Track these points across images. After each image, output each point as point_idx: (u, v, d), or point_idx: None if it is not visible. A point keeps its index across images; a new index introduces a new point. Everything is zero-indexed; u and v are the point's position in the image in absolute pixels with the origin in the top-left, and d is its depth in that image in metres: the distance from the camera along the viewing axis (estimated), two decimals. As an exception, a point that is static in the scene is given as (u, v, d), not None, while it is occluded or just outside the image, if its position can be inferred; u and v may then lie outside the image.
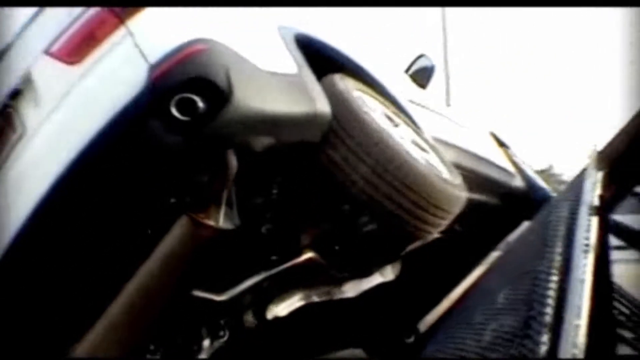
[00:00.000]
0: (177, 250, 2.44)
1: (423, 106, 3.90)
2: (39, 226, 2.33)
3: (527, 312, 1.84)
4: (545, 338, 1.48)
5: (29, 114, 2.43)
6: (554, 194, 5.34)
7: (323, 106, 2.63)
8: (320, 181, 2.73)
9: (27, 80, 2.47)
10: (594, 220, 2.47)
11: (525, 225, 4.64)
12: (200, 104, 2.07)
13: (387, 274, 3.64)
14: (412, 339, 4.95)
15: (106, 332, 2.57)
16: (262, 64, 2.43)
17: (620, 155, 3.63)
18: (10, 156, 2.46)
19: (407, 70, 4.62)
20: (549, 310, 1.63)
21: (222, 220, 2.41)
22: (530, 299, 1.94)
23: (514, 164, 5.45)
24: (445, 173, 3.10)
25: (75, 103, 2.30)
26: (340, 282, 3.44)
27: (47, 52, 2.41)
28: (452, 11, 19.88)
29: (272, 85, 2.45)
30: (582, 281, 1.75)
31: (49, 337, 2.60)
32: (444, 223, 2.94)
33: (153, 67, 2.14)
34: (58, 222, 2.35)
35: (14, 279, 2.43)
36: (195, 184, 2.35)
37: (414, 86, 4.40)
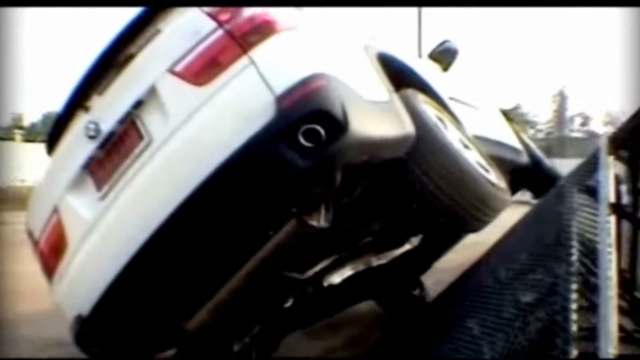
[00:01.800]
0: (282, 244, 2.88)
1: (459, 101, 4.40)
2: (176, 227, 2.60)
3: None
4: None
5: (155, 124, 2.69)
6: (560, 174, 5.69)
7: (410, 128, 3.13)
8: (399, 187, 3.29)
9: (152, 93, 2.72)
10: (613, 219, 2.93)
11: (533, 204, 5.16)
12: (323, 133, 2.39)
13: (413, 242, 4.25)
14: (417, 292, 5.68)
15: (214, 309, 3.03)
16: (364, 93, 2.83)
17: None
18: (139, 159, 2.72)
19: (430, 54, 5.07)
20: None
21: (322, 221, 2.87)
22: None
23: (522, 140, 5.85)
24: (494, 177, 3.76)
25: (205, 122, 2.57)
26: (380, 252, 4.08)
27: (172, 70, 2.66)
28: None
29: (374, 113, 2.84)
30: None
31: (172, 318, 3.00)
32: (492, 220, 3.64)
33: (280, 99, 2.44)
34: (191, 226, 2.62)
35: (149, 268, 2.71)
36: (308, 194, 2.73)
37: (440, 73, 4.84)
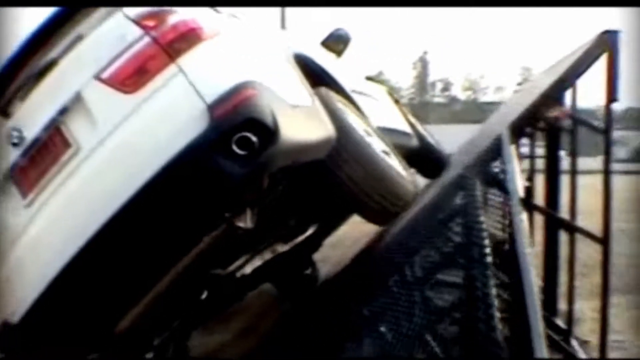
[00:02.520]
0: (212, 245, 3.02)
1: (360, 92, 4.61)
2: (109, 235, 2.61)
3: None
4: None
5: (83, 132, 2.67)
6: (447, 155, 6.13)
7: (332, 130, 3.33)
8: (317, 183, 3.54)
9: (78, 100, 2.69)
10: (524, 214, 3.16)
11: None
12: (255, 141, 2.47)
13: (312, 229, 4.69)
14: (310, 271, 5.98)
15: (143, 310, 3.09)
16: (289, 99, 2.94)
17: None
18: (66, 167, 2.69)
19: (323, 42, 5.16)
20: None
21: (248, 222, 2.98)
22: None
23: (410, 123, 6.13)
24: (401, 170, 4.06)
25: (135, 131, 2.58)
26: (288, 241, 4.44)
27: (98, 77, 2.65)
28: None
29: (300, 119, 2.96)
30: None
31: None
32: (402, 210, 3.90)
33: (212, 108, 2.50)
34: (124, 235, 2.63)
35: (81, 277, 2.69)
36: (240, 199, 2.85)
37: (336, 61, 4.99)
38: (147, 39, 2.64)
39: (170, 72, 2.58)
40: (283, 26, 20.91)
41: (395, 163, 4.05)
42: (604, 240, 3.96)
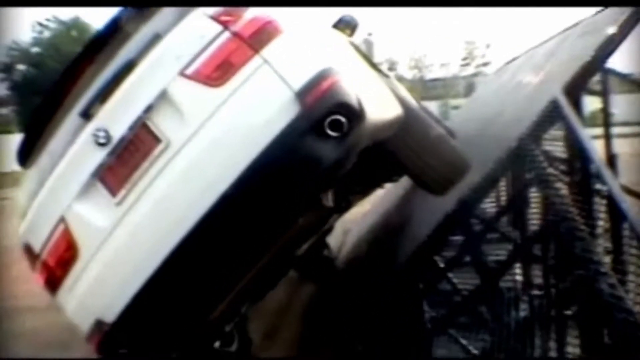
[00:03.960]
0: (303, 227, 3.14)
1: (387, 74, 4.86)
2: (210, 227, 2.66)
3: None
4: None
5: (172, 128, 2.74)
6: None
7: (400, 109, 3.57)
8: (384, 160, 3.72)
9: (164, 97, 2.75)
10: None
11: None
12: (345, 122, 2.60)
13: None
14: (326, 252, 6.14)
15: (235, 298, 3.17)
16: (364, 82, 3.12)
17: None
18: (156, 164, 2.74)
19: (334, 25, 5.17)
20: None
21: (330, 201, 3.14)
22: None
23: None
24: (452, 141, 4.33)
25: (226, 122, 2.66)
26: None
27: (183, 73, 2.72)
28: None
29: (377, 100, 3.13)
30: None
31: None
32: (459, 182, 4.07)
33: (301, 94, 2.61)
34: (224, 226, 2.69)
35: (181, 271, 2.73)
36: (333, 179, 2.89)
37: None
38: (227, 34, 2.74)
39: (255, 63, 2.68)
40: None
41: (446, 134, 4.21)
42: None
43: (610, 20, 4.24)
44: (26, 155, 3.19)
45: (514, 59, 7.55)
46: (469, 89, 31.38)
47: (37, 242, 3.04)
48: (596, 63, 3.85)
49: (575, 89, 3.84)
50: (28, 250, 3.11)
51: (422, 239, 3.98)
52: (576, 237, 2.85)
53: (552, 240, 3.11)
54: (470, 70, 48.36)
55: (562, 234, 2.99)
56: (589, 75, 3.84)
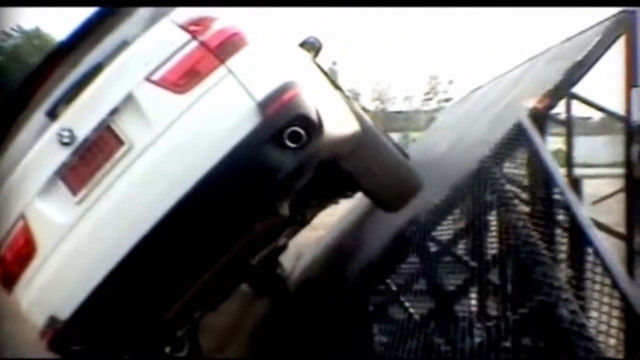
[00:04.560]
0: (259, 234, 3.21)
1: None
2: (168, 228, 2.75)
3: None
4: None
5: (136, 131, 2.82)
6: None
7: (357, 126, 3.68)
8: (338, 176, 3.76)
9: (129, 101, 2.84)
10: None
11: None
12: (303, 134, 2.73)
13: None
14: (279, 270, 6.08)
15: (188, 301, 3.17)
16: (324, 97, 3.21)
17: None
18: (119, 164, 2.82)
19: (300, 45, 5.27)
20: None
21: (286, 211, 3.12)
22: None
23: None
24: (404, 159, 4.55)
25: (189, 128, 2.76)
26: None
27: (149, 79, 2.83)
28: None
29: (335, 115, 3.21)
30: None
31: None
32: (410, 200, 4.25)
33: (262, 105, 2.74)
34: (183, 227, 2.77)
35: (137, 270, 2.80)
36: (289, 189, 2.99)
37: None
38: (195, 43, 2.85)
39: (220, 73, 2.80)
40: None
41: (400, 154, 4.44)
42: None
43: (579, 47, 4.20)
44: None
45: (478, 88, 7.53)
46: (430, 123, 31.70)
47: None
48: (563, 88, 3.77)
49: (541, 113, 3.74)
50: None
51: (373, 259, 3.82)
52: (537, 261, 2.71)
53: (512, 265, 2.95)
54: (432, 104, 48.87)
55: (522, 258, 2.84)
56: (556, 99, 3.75)
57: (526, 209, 3.21)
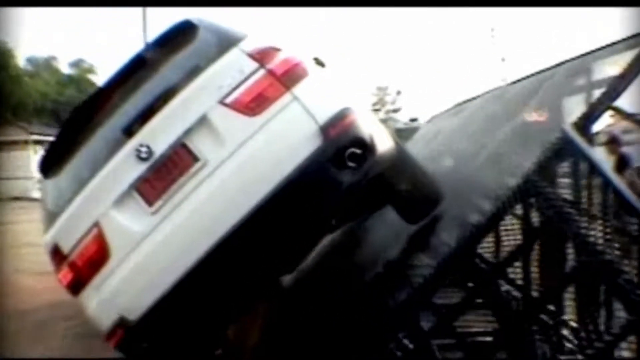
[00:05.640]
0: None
1: None
2: (237, 239, 2.99)
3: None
4: None
5: (209, 149, 3.09)
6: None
7: (392, 143, 3.80)
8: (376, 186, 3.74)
9: (204, 121, 3.12)
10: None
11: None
12: (360, 154, 3.04)
13: None
14: None
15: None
16: (372, 120, 3.58)
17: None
18: (194, 179, 3.09)
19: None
20: None
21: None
22: None
23: None
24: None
25: (259, 147, 3.04)
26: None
27: (223, 102, 3.11)
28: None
29: (380, 135, 3.47)
30: None
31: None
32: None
33: (324, 128, 3.05)
34: (251, 239, 3.02)
35: (208, 277, 3.04)
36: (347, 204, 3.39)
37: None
38: (262, 71, 3.14)
39: (286, 99, 3.10)
40: (144, 27, 21.95)
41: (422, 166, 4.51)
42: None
43: (602, 62, 4.16)
44: (52, 165, 3.47)
45: (469, 100, 7.49)
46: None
47: (67, 244, 3.27)
48: (605, 100, 3.71)
49: (585, 126, 3.67)
50: (56, 251, 3.32)
51: (420, 281, 3.65)
52: (623, 279, 2.62)
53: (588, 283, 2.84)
54: (380, 115, 49.31)
55: (602, 276, 2.74)
56: (599, 112, 3.68)
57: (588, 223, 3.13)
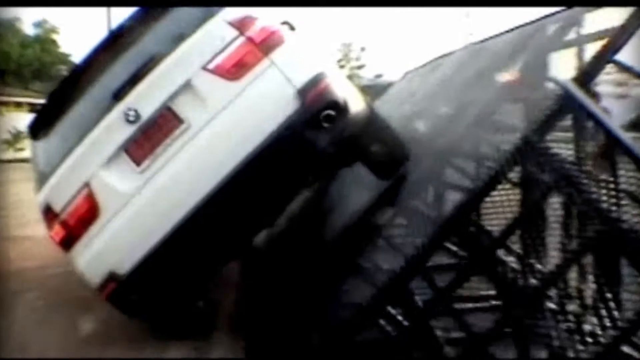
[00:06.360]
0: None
1: None
2: (220, 197, 3.20)
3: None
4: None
5: (193, 112, 3.29)
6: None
7: (364, 104, 4.08)
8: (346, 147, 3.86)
9: (188, 86, 3.32)
10: None
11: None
12: (334, 116, 3.24)
13: None
14: None
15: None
16: (344, 82, 3.76)
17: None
18: (177, 141, 3.29)
19: None
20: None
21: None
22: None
23: None
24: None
25: (240, 110, 3.25)
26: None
27: (206, 68, 3.33)
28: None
29: (352, 97, 3.63)
30: None
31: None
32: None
33: (301, 92, 3.27)
34: (233, 197, 3.22)
35: (194, 231, 3.23)
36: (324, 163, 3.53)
37: None
38: (242, 39, 3.37)
39: (264, 64, 3.31)
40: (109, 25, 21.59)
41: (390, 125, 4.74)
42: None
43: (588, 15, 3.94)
44: (42, 128, 3.65)
45: (445, 55, 7.20)
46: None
47: (58, 203, 3.46)
48: (606, 54, 3.45)
49: (586, 81, 3.42)
50: (47, 210, 3.52)
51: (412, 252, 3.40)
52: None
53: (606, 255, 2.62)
54: (345, 71, 48.78)
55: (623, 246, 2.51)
56: (600, 66, 3.43)
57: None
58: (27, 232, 7.40)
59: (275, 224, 5.13)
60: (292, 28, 5.75)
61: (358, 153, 4.36)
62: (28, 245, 6.94)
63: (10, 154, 26.31)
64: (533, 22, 4.95)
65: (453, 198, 3.77)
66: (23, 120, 28.03)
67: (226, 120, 3.25)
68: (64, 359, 4.06)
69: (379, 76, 34.92)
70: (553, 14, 4.64)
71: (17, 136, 26.85)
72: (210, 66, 3.31)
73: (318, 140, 3.23)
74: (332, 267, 4.06)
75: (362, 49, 45.31)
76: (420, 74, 7.72)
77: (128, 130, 3.34)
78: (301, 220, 5.82)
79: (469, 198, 3.40)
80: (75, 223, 3.40)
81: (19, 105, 29.32)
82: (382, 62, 64.11)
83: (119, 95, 3.38)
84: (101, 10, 22.85)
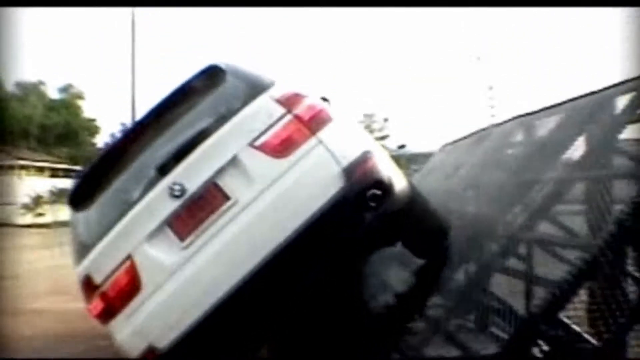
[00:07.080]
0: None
1: None
2: (265, 274, 3.15)
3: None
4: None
5: (240, 188, 3.28)
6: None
7: (406, 182, 3.92)
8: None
9: (234, 162, 3.32)
10: None
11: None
12: (380, 195, 3.22)
13: None
14: None
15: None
16: (388, 161, 3.69)
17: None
18: (224, 216, 3.27)
19: None
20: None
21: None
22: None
23: None
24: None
25: (286, 187, 3.23)
26: None
27: (252, 144, 3.30)
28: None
29: (396, 174, 3.64)
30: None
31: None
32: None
33: (348, 170, 3.24)
34: (277, 274, 3.18)
35: (235, 310, 3.19)
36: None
37: None
38: (290, 116, 3.33)
39: (312, 143, 3.30)
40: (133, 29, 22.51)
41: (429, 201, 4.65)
42: None
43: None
44: (84, 198, 3.58)
45: (492, 126, 6.81)
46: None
47: (99, 275, 3.38)
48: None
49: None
50: (87, 281, 3.43)
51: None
52: None
53: None
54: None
55: None
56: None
57: None
58: (36, 305, 7.06)
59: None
60: (325, 100, 5.52)
61: (400, 232, 4.29)
62: (37, 321, 6.50)
63: (28, 219, 26.19)
64: (597, 92, 4.52)
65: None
66: (44, 184, 28.18)
67: (272, 198, 3.24)
68: (65, 359, 3.97)
69: (402, 147, 34.73)
70: (621, 82, 4.22)
71: (37, 201, 26.82)
72: (258, 143, 3.30)
73: (363, 219, 3.22)
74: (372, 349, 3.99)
75: (385, 120, 45.56)
76: (463, 146, 7.28)
77: (173, 205, 3.31)
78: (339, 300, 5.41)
79: (554, 295, 2.93)
80: (116, 295, 3.37)
81: (40, 170, 29.39)
82: (405, 132, 64.26)
83: (164, 169, 3.37)
84: (126, 76, 22.97)
